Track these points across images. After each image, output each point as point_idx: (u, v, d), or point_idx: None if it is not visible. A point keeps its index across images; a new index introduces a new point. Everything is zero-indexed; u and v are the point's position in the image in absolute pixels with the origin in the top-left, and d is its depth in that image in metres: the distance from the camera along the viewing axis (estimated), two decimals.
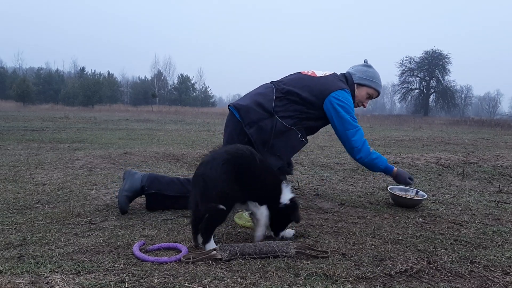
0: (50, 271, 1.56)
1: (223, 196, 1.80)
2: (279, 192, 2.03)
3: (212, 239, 1.85)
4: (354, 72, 2.91)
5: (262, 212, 1.98)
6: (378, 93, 2.94)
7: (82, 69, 66.16)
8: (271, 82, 2.85)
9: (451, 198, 3.28)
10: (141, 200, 2.87)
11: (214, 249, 1.77)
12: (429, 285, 1.58)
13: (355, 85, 2.87)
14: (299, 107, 2.69)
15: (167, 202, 2.62)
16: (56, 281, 1.47)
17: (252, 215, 2.05)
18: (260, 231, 1.99)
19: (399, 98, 57.72)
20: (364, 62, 2.98)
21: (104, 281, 1.49)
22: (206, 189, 1.80)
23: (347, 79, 2.88)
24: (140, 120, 17.73)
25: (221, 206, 1.79)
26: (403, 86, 55.91)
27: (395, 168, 2.82)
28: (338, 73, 2.93)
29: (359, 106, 2.96)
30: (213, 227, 1.87)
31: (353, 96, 2.84)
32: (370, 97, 2.93)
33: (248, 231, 2.19)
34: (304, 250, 1.82)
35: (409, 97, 56.07)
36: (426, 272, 1.69)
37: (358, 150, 2.72)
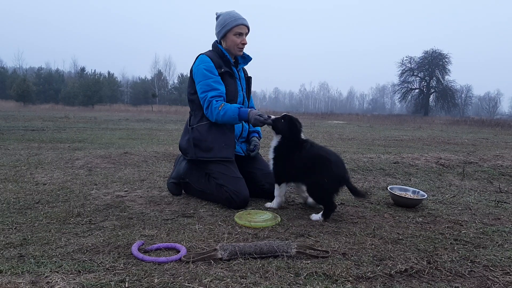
0: (50, 271, 1.57)
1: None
2: None
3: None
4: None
5: None
6: (243, 25, 2.87)
7: (82, 69, 66.20)
8: None
9: (451, 197, 3.28)
10: (141, 200, 2.87)
11: (215, 249, 1.77)
12: (429, 285, 1.59)
13: (221, 42, 2.93)
14: (199, 103, 2.86)
15: (194, 192, 2.96)
16: (57, 281, 1.48)
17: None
18: None
19: (399, 98, 57.78)
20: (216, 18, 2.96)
21: (104, 281, 1.49)
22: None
23: (216, 43, 2.97)
24: (140, 120, 17.74)
25: None
26: (403, 86, 55.95)
27: (248, 111, 2.70)
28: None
29: (241, 48, 2.92)
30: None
31: (223, 54, 2.89)
32: (240, 34, 2.87)
33: (248, 231, 2.19)
34: (304, 250, 1.82)
35: (409, 97, 56.12)
36: (426, 272, 1.69)
37: (209, 114, 2.78)
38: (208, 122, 2.84)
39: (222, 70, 2.84)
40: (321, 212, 2.45)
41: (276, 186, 2.69)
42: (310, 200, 2.74)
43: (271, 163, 2.67)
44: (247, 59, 3.07)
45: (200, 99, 2.81)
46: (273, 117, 2.66)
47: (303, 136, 2.67)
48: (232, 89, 2.89)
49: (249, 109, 2.72)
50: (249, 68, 3.20)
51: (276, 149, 2.65)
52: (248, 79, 3.12)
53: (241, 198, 2.65)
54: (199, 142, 2.83)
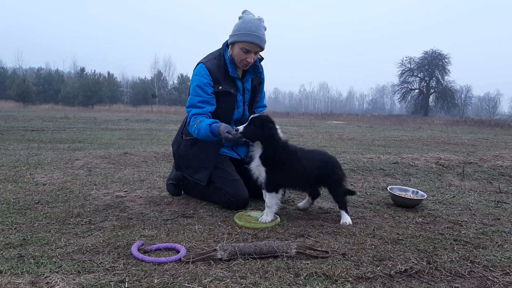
0: (50, 271, 1.57)
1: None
2: None
3: None
4: None
5: None
6: (254, 44, 2.60)
7: (82, 69, 66.19)
8: None
9: (450, 198, 3.28)
10: (140, 200, 2.87)
11: (214, 249, 1.77)
12: (428, 285, 1.59)
13: (229, 46, 2.71)
14: None
15: (193, 193, 2.97)
16: (56, 281, 1.47)
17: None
18: None
19: (399, 98, 57.86)
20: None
21: (104, 281, 1.49)
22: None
23: (224, 45, 2.77)
24: (140, 120, 17.73)
25: None
26: (403, 86, 56.01)
27: (217, 128, 2.53)
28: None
29: (245, 65, 2.71)
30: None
31: (225, 66, 2.71)
32: (247, 51, 2.62)
33: (248, 231, 2.19)
34: (304, 250, 1.82)
35: (409, 97, 56.20)
36: (426, 272, 1.69)
37: (190, 131, 2.71)
38: (192, 137, 2.76)
39: (220, 88, 2.69)
40: (344, 212, 2.48)
41: (272, 194, 2.39)
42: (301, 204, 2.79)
43: (263, 175, 2.39)
44: (256, 69, 2.86)
45: (187, 112, 2.76)
46: (240, 128, 2.39)
47: (281, 134, 2.43)
48: (228, 108, 2.76)
49: (219, 125, 2.53)
50: None
51: (263, 159, 2.39)
52: (255, 89, 2.92)
53: (240, 199, 2.64)
54: (182, 156, 2.85)
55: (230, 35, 2.70)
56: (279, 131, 2.42)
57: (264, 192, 2.47)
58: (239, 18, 2.69)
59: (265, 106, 3.17)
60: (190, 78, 2.84)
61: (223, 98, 2.73)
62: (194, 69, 2.76)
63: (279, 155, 2.38)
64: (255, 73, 2.88)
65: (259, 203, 2.84)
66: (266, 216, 2.37)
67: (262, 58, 2.90)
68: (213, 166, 2.74)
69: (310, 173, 2.48)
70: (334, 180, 2.54)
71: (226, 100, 2.75)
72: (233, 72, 2.74)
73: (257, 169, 2.43)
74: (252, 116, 2.41)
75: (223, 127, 2.50)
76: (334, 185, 2.55)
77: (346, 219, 2.46)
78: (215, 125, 2.56)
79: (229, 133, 2.43)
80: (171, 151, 3.06)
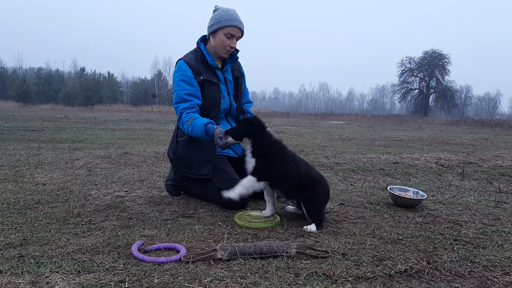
0: (50, 271, 1.57)
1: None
2: None
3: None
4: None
5: None
6: (238, 28, 2.73)
7: (82, 69, 66.32)
8: None
9: (450, 198, 3.28)
10: (141, 200, 2.87)
11: (214, 249, 1.77)
12: (428, 285, 1.59)
13: (209, 37, 2.80)
14: None
15: (193, 194, 2.96)
16: (56, 281, 1.48)
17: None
18: None
19: (398, 98, 57.91)
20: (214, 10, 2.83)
21: (104, 281, 1.49)
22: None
23: (203, 39, 2.87)
24: (140, 120, 17.74)
25: None
26: (402, 86, 56.06)
27: (213, 130, 2.50)
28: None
29: (229, 52, 2.80)
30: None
31: (204, 58, 2.77)
32: (232, 36, 2.73)
33: (248, 231, 2.19)
34: (304, 250, 1.82)
35: (409, 97, 56.25)
36: (425, 272, 1.69)
37: (181, 127, 2.72)
38: (188, 136, 2.77)
39: (202, 77, 2.74)
40: (314, 225, 2.24)
41: (252, 179, 2.34)
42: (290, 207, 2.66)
43: (251, 165, 2.34)
44: (234, 57, 2.94)
45: (174, 109, 2.76)
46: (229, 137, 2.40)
47: (272, 133, 2.40)
48: (214, 97, 2.79)
49: (215, 127, 2.50)
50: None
51: (254, 152, 2.35)
52: (237, 79, 2.99)
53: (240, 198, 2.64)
54: (182, 157, 2.84)
55: (210, 26, 2.78)
56: (268, 129, 2.40)
57: (265, 192, 2.47)
58: (214, 11, 2.80)
59: (251, 102, 3.19)
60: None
61: (207, 88, 2.78)
62: (175, 67, 2.82)
63: (268, 147, 2.35)
64: (233, 60, 2.96)
65: (259, 203, 2.84)
66: (265, 211, 2.45)
67: (238, 50, 2.97)
68: (215, 159, 2.75)
69: (296, 184, 2.34)
70: (310, 199, 2.32)
71: (211, 89, 2.79)
72: (212, 61, 2.81)
73: (248, 162, 2.38)
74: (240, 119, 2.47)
75: (217, 131, 2.48)
76: (308, 203, 2.33)
77: (312, 228, 2.23)
78: (210, 126, 2.55)
79: (220, 139, 2.41)
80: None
